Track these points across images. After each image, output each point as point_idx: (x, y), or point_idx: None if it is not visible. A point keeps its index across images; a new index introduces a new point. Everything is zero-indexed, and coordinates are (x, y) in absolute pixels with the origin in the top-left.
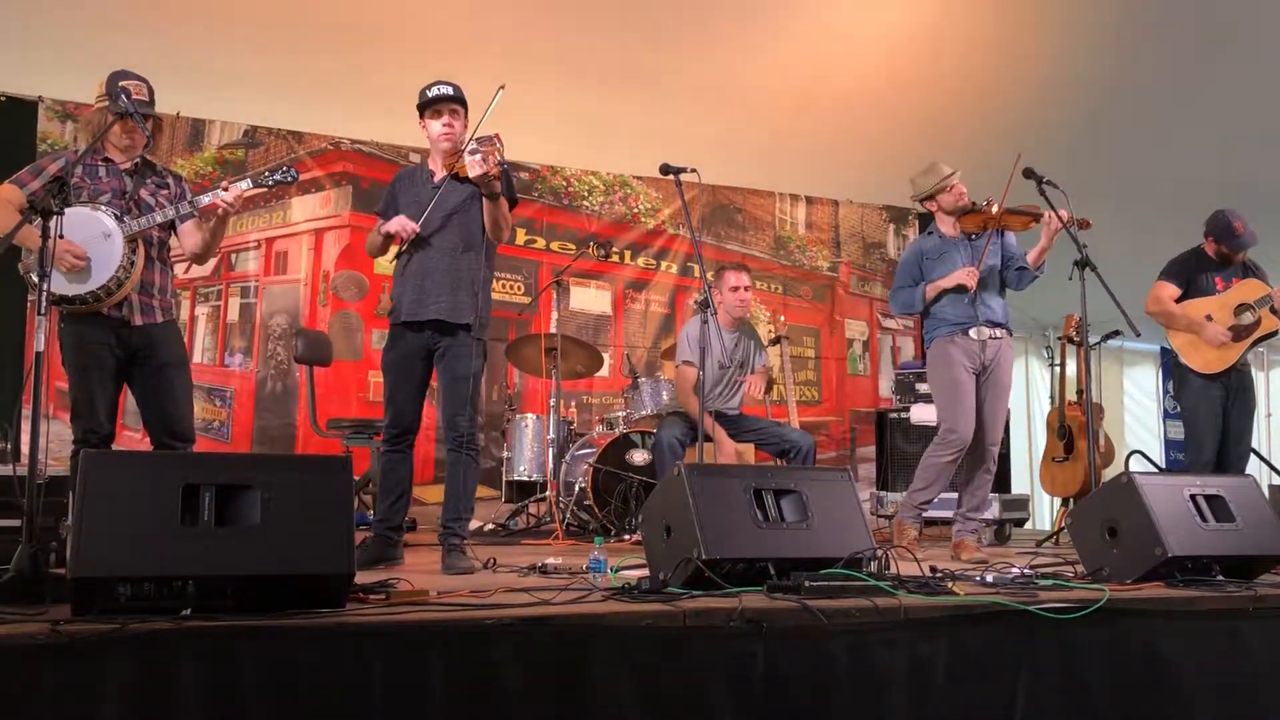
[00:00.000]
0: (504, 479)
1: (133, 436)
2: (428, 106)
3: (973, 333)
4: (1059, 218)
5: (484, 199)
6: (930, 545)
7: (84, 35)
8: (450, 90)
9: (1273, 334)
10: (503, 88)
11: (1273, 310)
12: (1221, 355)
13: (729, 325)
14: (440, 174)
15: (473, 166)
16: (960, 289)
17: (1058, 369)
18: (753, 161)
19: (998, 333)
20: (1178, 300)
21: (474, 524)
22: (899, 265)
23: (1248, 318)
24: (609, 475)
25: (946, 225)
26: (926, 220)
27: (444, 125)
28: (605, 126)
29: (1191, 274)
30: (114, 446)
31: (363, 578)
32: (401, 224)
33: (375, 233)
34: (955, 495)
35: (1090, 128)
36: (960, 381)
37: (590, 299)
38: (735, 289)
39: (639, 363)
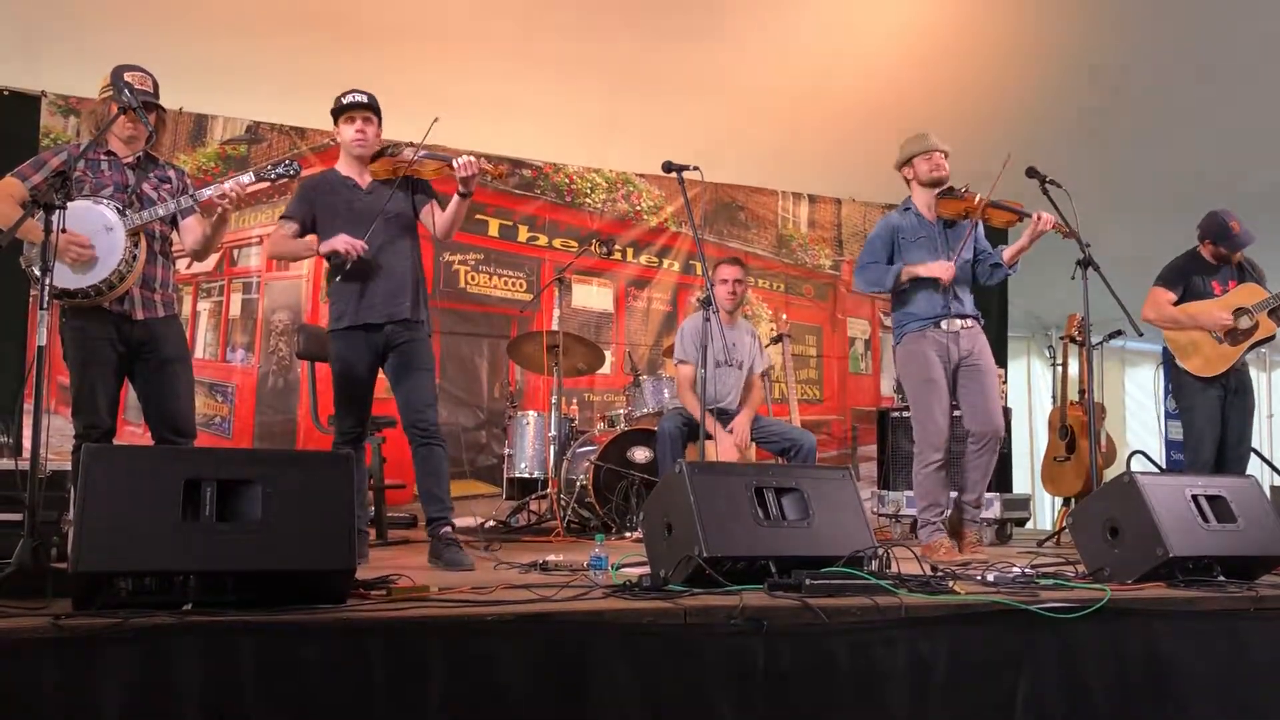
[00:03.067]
0: (505, 476)
1: (134, 431)
2: (341, 112)
3: (944, 324)
4: (1051, 221)
5: (459, 198)
6: None
7: (87, 30)
8: (364, 98)
9: (1269, 339)
10: (436, 120)
11: (1270, 314)
12: (1218, 358)
13: (726, 321)
14: (365, 179)
15: (465, 169)
16: (933, 280)
17: (1059, 369)
18: (755, 159)
19: (969, 323)
20: (1174, 305)
21: (475, 520)
22: (869, 238)
23: (1245, 322)
24: (610, 473)
25: (922, 202)
26: None
27: (357, 131)
28: (608, 124)
29: (1188, 279)
30: (115, 441)
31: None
32: (349, 244)
33: (297, 244)
34: (955, 495)
35: (1094, 127)
36: (933, 381)
37: (592, 296)
38: (724, 281)
39: (640, 360)
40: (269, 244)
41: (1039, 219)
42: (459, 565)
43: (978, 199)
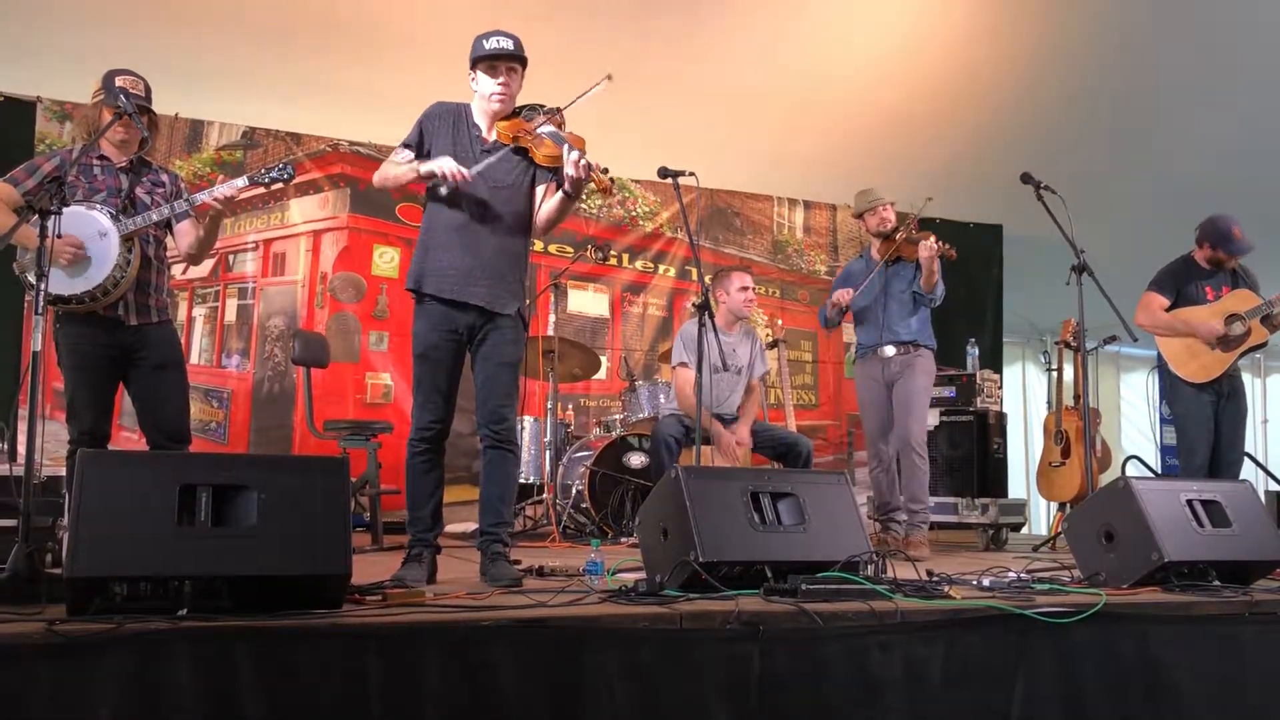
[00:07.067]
0: None
1: (129, 437)
2: (483, 60)
3: (880, 351)
4: (929, 249)
5: (563, 196)
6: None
7: (82, 35)
8: (511, 45)
9: (1262, 345)
10: (609, 77)
11: (1263, 321)
12: (1211, 365)
13: (728, 328)
14: (491, 135)
15: (572, 166)
16: (866, 313)
17: (1055, 374)
18: (751, 165)
19: (905, 349)
20: (1167, 310)
21: (471, 526)
22: (834, 282)
23: (1238, 328)
24: (606, 478)
25: (875, 248)
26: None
27: (500, 84)
28: (603, 129)
29: (1181, 283)
30: (110, 447)
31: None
32: (455, 169)
33: (401, 166)
34: (952, 500)
35: (1090, 132)
36: (869, 398)
37: (588, 302)
38: (744, 289)
39: (636, 366)
40: (379, 172)
41: (920, 249)
42: (504, 579)
43: (899, 239)
